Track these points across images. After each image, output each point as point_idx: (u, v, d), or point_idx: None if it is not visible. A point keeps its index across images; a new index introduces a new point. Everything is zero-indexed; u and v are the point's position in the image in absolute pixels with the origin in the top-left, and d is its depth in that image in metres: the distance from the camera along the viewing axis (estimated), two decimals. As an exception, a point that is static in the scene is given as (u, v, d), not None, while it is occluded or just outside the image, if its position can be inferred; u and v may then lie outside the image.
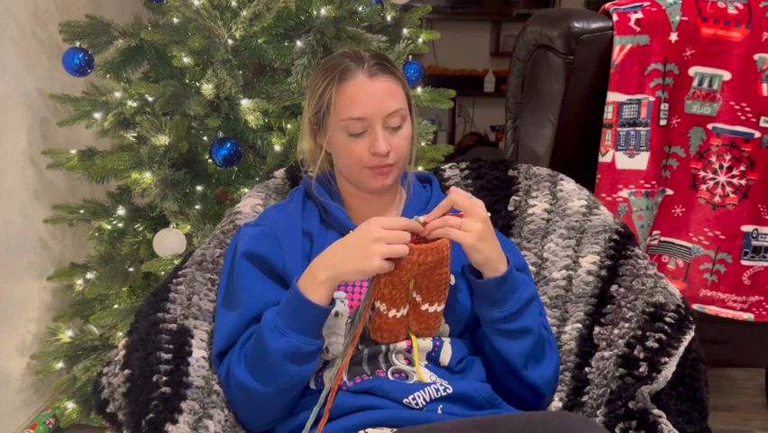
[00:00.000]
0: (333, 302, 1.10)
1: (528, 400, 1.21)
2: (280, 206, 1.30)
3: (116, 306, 1.90)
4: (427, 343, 1.17)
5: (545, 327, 1.26)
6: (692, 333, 1.19)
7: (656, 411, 1.06)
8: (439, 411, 1.09)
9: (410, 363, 1.15)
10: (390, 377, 1.13)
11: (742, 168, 1.70)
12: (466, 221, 1.09)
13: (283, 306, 1.10)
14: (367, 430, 1.05)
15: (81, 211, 1.96)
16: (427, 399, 1.10)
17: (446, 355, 1.17)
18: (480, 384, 1.16)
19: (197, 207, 1.82)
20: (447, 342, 1.18)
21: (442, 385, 1.11)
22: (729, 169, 1.70)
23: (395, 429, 1.04)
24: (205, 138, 1.85)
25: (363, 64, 1.17)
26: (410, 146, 1.21)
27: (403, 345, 1.15)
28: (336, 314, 1.14)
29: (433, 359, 1.17)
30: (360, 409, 1.10)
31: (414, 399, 1.09)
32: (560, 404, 1.26)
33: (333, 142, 1.21)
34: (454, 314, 1.19)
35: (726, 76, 1.65)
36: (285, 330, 1.07)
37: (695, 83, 1.66)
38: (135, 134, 1.87)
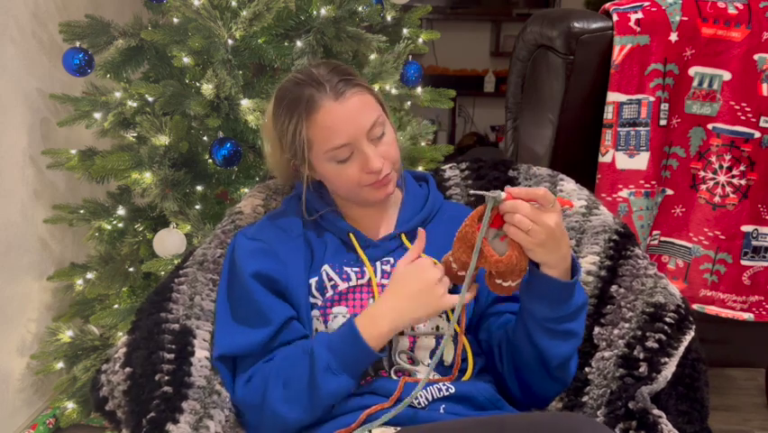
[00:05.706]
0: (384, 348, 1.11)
1: (541, 394, 1.20)
2: (276, 216, 1.27)
3: (116, 306, 1.90)
4: (430, 342, 1.16)
5: None
6: (692, 333, 1.19)
7: (656, 411, 1.06)
8: (441, 411, 1.09)
9: (413, 362, 1.15)
10: (393, 376, 1.13)
11: (742, 168, 1.70)
12: (535, 229, 0.98)
13: (337, 344, 1.08)
14: (370, 430, 1.06)
15: (81, 211, 1.96)
16: (430, 398, 1.10)
17: (449, 355, 1.17)
18: (483, 384, 1.16)
19: (197, 207, 1.82)
20: (449, 341, 1.18)
21: (444, 385, 1.11)
22: (729, 169, 1.70)
23: (398, 429, 1.04)
24: (205, 138, 1.84)
25: (325, 87, 1.11)
26: (397, 147, 1.19)
27: (406, 344, 1.15)
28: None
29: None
30: (363, 408, 1.09)
31: (416, 398, 1.09)
32: (560, 404, 1.26)
33: (322, 173, 1.18)
34: None
35: (726, 76, 1.65)
36: (338, 371, 1.07)
37: (695, 83, 1.66)
38: (135, 134, 1.86)
